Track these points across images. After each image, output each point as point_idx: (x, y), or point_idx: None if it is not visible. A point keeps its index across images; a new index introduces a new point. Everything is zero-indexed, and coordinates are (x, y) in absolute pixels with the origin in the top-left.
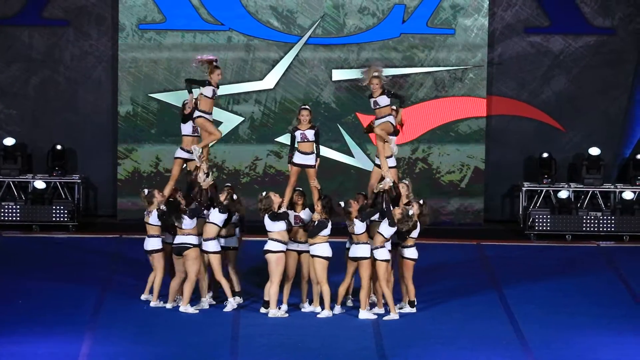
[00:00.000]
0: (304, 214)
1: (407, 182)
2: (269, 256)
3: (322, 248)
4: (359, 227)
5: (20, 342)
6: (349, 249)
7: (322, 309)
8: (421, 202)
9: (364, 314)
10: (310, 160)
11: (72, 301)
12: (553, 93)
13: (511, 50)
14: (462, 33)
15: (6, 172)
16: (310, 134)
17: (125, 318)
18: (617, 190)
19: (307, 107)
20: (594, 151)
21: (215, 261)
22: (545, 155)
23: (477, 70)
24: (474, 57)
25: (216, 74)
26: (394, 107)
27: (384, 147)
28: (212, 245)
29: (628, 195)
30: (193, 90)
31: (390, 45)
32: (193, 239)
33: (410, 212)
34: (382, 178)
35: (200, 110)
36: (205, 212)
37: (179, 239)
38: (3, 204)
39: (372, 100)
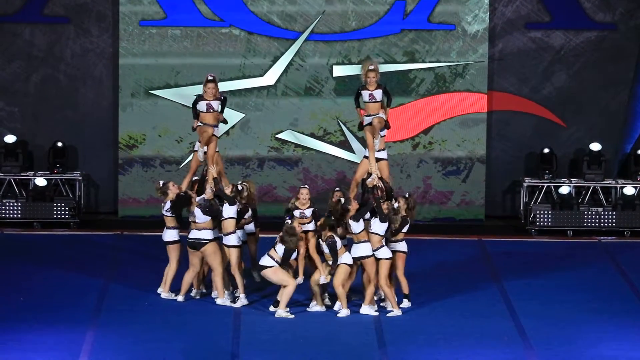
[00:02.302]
0: (309, 212)
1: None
2: (265, 272)
3: (345, 256)
4: (355, 226)
5: (21, 339)
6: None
7: (327, 307)
8: (407, 195)
9: (366, 309)
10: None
11: (74, 298)
12: (554, 88)
13: (512, 45)
14: (463, 29)
15: (7, 170)
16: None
17: (126, 316)
18: (618, 185)
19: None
20: (595, 146)
21: (234, 255)
22: (546, 150)
23: (478, 65)
24: (474, 52)
25: (206, 87)
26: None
27: (375, 143)
28: (232, 240)
29: (629, 190)
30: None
31: (391, 41)
32: (208, 234)
33: (396, 205)
34: (370, 174)
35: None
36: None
37: (194, 234)
38: (4, 201)
39: (366, 92)
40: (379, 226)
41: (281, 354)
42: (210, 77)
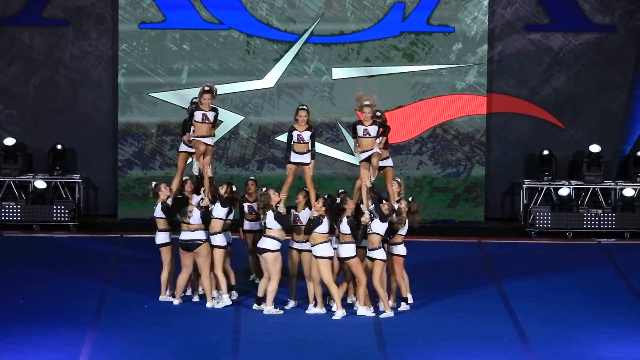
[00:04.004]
0: (304, 213)
1: (399, 180)
2: (266, 255)
3: (324, 248)
4: (345, 227)
5: (21, 342)
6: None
7: (332, 308)
8: (410, 199)
9: (363, 310)
10: (305, 158)
11: (73, 301)
12: (553, 90)
13: (511, 47)
14: (462, 31)
15: (7, 172)
16: (306, 135)
17: (126, 318)
18: (618, 187)
19: (304, 107)
20: (595, 148)
21: (218, 255)
22: (545, 152)
23: (477, 67)
24: (474, 54)
25: (203, 97)
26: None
27: (369, 174)
28: (218, 240)
29: (628, 192)
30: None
31: (390, 43)
32: (202, 235)
33: (396, 206)
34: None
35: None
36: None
37: (186, 235)
38: (4, 203)
39: (361, 127)
40: (379, 226)
41: (281, 356)
42: (206, 88)
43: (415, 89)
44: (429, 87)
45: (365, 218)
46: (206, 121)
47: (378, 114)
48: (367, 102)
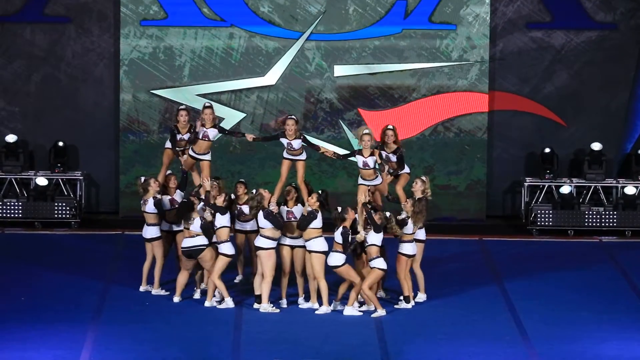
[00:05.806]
0: (297, 209)
1: (424, 178)
2: (260, 252)
3: (318, 243)
4: (339, 236)
5: (22, 339)
6: None
7: (320, 304)
8: (416, 198)
9: (349, 310)
10: (300, 156)
11: (75, 298)
12: (555, 88)
13: (513, 45)
14: (464, 28)
15: (8, 169)
16: (296, 143)
17: (127, 315)
18: (619, 185)
19: (292, 117)
20: (596, 146)
21: (221, 263)
22: (547, 150)
23: (479, 65)
24: (475, 52)
25: (204, 114)
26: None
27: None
28: (225, 248)
29: (630, 190)
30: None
31: (392, 41)
32: (204, 240)
33: (388, 214)
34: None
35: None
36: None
37: (188, 242)
38: (5, 200)
39: (360, 159)
40: (374, 237)
41: (282, 353)
42: (207, 104)
43: (417, 87)
44: (430, 85)
45: (360, 236)
46: (205, 139)
47: (393, 138)
48: (366, 131)
